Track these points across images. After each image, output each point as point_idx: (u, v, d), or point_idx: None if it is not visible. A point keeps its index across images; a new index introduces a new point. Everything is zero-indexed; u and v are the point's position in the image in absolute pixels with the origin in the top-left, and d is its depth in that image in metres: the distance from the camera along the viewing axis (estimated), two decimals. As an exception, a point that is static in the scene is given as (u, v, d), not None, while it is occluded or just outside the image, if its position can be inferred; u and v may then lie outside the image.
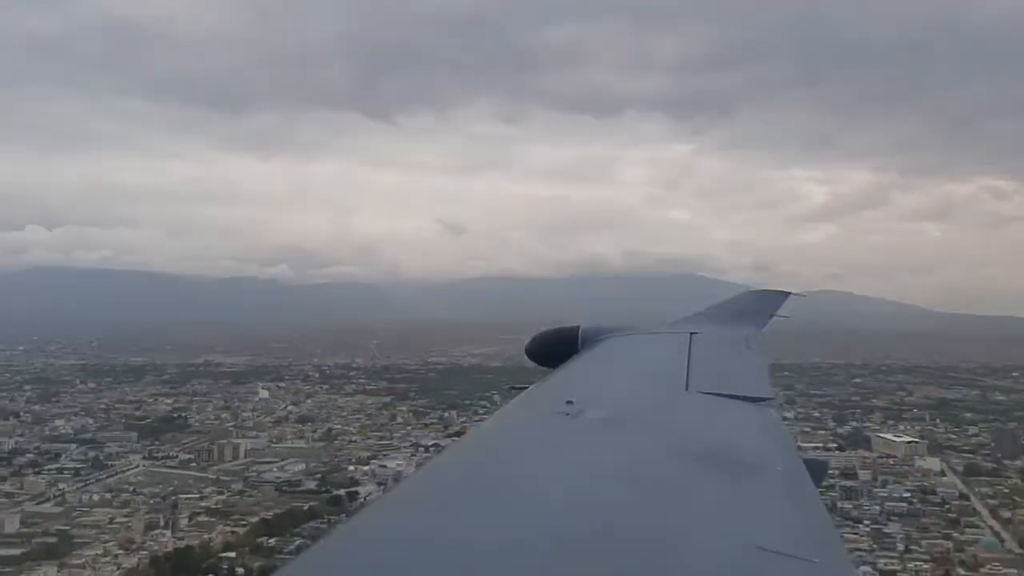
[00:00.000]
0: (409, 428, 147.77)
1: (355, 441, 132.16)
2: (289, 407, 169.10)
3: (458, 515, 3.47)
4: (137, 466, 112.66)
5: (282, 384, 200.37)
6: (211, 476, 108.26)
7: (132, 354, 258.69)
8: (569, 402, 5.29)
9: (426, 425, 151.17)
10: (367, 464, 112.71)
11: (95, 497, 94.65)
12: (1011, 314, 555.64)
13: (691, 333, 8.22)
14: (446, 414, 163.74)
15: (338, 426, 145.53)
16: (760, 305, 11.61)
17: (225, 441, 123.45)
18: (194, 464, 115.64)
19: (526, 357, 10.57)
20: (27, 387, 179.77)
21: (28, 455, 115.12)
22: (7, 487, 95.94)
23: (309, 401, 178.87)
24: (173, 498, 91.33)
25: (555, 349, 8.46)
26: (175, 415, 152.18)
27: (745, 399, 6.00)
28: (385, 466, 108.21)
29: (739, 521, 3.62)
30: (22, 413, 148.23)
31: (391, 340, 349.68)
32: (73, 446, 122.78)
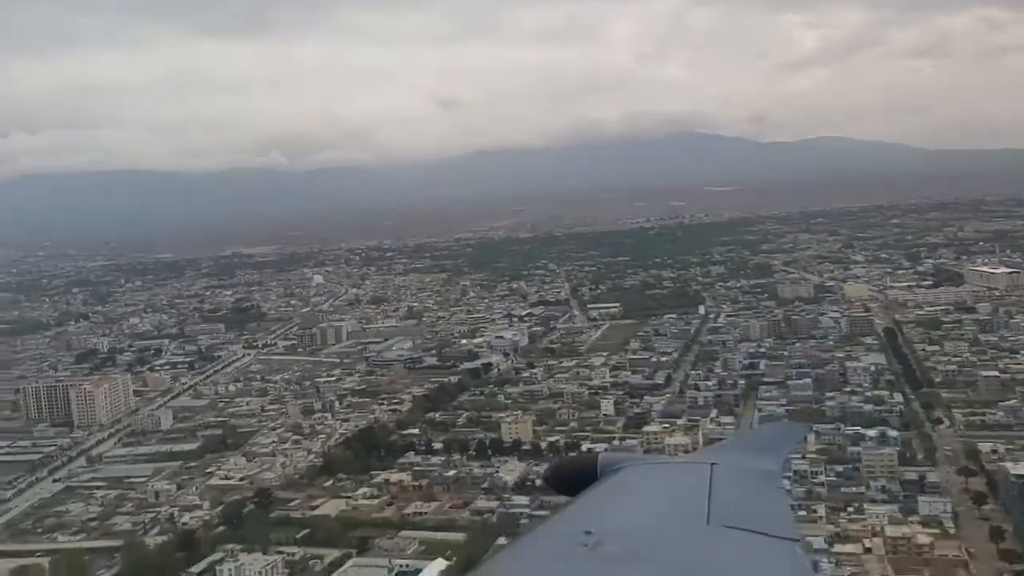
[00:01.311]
0: (486, 301, 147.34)
1: (443, 317, 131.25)
2: (351, 290, 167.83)
3: None
4: (244, 356, 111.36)
5: (328, 269, 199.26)
6: (326, 360, 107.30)
7: (154, 252, 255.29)
8: (588, 532, 5.30)
9: (502, 297, 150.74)
10: (475, 337, 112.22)
11: (230, 388, 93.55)
12: (1009, 146, 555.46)
13: (711, 464, 7.98)
14: (514, 285, 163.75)
15: (416, 304, 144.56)
16: (783, 439, 11.43)
17: (326, 324, 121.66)
18: (301, 349, 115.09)
19: (545, 484, 10.79)
20: (75, 290, 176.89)
21: (126, 354, 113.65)
22: (130, 384, 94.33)
23: (367, 283, 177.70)
24: (308, 382, 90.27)
25: (574, 477, 8.25)
26: (245, 305, 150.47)
27: (769, 536, 5.82)
28: (502, 336, 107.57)
29: None
30: (90, 314, 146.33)
31: (404, 221, 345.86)
32: (166, 341, 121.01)
